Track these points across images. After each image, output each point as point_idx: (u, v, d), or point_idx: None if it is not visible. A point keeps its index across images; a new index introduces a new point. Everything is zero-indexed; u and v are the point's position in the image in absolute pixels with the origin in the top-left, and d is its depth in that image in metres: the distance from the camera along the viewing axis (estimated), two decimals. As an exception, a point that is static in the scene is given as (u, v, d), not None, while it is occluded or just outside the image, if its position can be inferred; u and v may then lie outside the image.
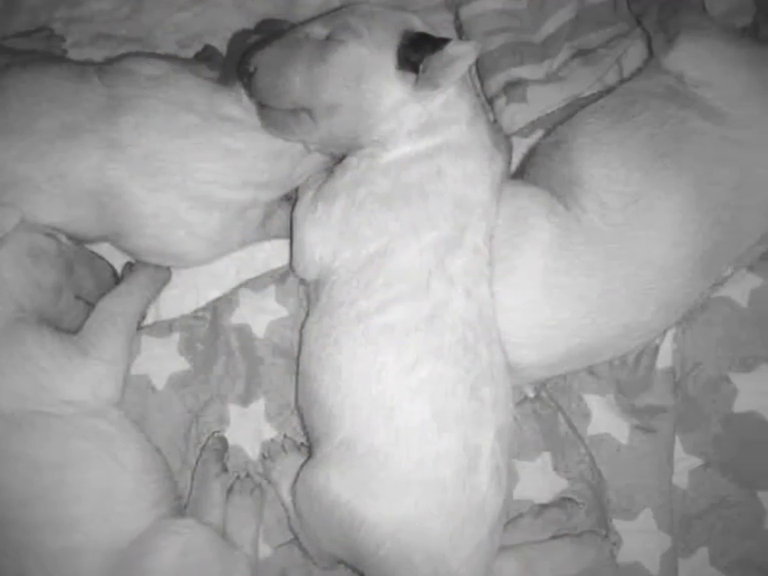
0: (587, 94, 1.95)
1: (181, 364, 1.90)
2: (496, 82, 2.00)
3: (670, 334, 1.83)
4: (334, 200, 1.66)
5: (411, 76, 1.59)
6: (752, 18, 1.96)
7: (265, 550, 1.83)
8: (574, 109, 1.85)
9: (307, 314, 1.74)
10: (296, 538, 1.78)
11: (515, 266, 1.65)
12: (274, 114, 1.69)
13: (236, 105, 1.76)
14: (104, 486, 1.64)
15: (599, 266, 1.63)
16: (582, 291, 1.63)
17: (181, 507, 1.79)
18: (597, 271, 1.63)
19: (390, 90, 1.61)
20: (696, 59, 1.71)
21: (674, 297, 1.67)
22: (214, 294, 1.96)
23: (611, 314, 1.65)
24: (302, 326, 1.73)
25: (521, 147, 1.97)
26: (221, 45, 2.03)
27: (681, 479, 1.82)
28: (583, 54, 2.00)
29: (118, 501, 1.65)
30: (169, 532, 1.65)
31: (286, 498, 1.77)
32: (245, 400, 1.89)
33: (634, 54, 1.97)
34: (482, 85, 2.04)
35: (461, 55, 1.56)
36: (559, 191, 1.69)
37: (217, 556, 1.68)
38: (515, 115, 1.95)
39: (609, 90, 1.83)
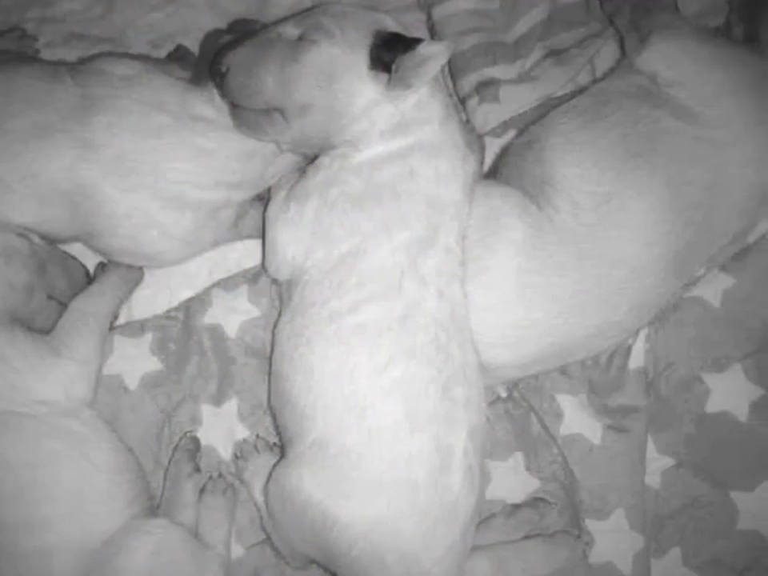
0: (560, 94, 1.95)
1: (153, 364, 1.90)
2: (468, 82, 1.99)
3: (642, 334, 1.83)
4: (306, 200, 1.66)
5: (384, 76, 1.59)
6: (725, 18, 1.96)
7: (237, 550, 1.83)
8: (546, 109, 1.85)
9: (279, 314, 1.74)
10: (268, 538, 1.78)
11: (488, 266, 1.65)
12: (246, 114, 1.68)
13: (208, 105, 1.76)
14: (76, 486, 1.64)
15: (572, 266, 1.63)
16: (555, 291, 1.63)
17: (153, 507, 1.79)
18: (569, 271, 1.63)
19: (363, 90, 1.60)
20: (669, 59, 1.71)
21: (647, 297, 1.67)
22: (187, 294, 1.96)
23: (584, 314, 1.65)
24: (275, 326, 1.73)
25: (493, 147, 1.97)
26: (193, 45, 2.02)
27: (653, 479, 1.83)
28: (556, 54, 2.00)
29: (91, 501, 1.65)
30: (141, 532, 1.66)
31: (259, 498, 1.76)
32: (217, 400, 1.89)
33: (606, 54, 1.97)
34: (455, 85, 2.04)
35: (433, 55, 1.56)
36: (532, 191, 1.69)
37: (189, 556, 1.68)
38: (488, 115, 1.95)
39: (581, 90, 1.83)
